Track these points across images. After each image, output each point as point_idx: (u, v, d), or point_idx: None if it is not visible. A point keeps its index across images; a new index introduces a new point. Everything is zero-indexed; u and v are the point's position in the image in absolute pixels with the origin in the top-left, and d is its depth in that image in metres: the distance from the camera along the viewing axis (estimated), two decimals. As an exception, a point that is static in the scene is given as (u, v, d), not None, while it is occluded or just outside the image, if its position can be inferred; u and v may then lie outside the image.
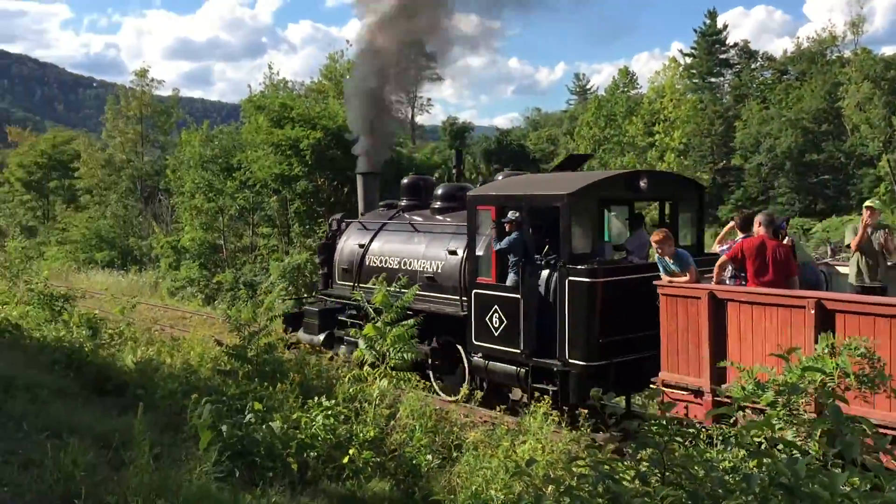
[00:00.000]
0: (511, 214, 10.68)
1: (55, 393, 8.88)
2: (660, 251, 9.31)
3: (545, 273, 10.54)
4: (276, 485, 6.39)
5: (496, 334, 10.70)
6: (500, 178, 13.64)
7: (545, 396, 9.25)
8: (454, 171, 15.37)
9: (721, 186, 60.17)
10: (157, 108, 50.05)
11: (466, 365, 11.37)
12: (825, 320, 7.34)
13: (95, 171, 49.49)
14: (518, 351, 10.41)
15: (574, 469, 4.27)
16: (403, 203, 14.72)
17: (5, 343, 12.16)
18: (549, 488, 4.50)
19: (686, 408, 8.27)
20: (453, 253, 12.09)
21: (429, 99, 72.81)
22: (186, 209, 38.26)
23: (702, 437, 5.37)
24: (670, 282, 9.02)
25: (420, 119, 75.39)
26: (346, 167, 33.41)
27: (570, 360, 9.74)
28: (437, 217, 13.46)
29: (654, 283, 9.09)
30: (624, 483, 3.88)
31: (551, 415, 7.54)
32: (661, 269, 9.33)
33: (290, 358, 11.51)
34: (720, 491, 3.44)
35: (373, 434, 7.68)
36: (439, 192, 13.89)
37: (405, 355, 10.49)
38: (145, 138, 50.15)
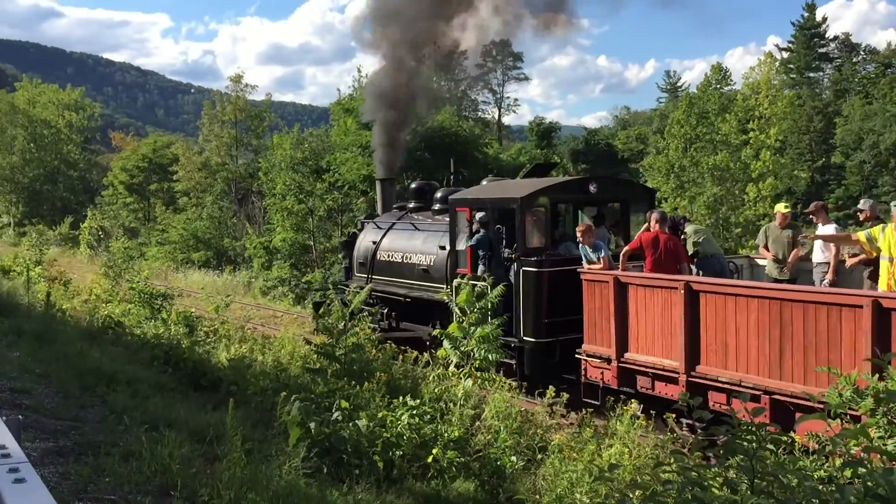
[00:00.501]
0: (478, 215, 12.47)
1: (154, 388, 9.25)
2: (581, 241, 10.94)
3: (515, 265, 11.91)
4: (363, 482, 6.49)
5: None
6: (484, 182, 15.41)
7: (627, 398, 9.14)
8: (451, 176, 17.29)
9: (820, 185, 57.91)
10: (250, 113, 51.46)
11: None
12: (692, 299, 8.96)
13: (193, 174, 51.28)
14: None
15: (661, 474, 4.20)
16: (411, 205, 16.46)
17: (109, 339, 12.73)
18: (635, 493, 4.43)
19: (602, 373, 10.16)
20: (443, 248, 13.63)
21: (515, 99, 72.96)
22: (278, 210, 39.25)
23: (796, 445, 5.20)
24: (588, 268, 10.61)
25: (507, 119, 75.38)
26: (434, 168, 33.69)
27: (524, 338, 11.51)
28: (437, 217, 14.87)
29: (577, 269, 10.69)
30: (712, 490, 3.79)
31: (639, 418, 7.42)
32: (582, 257, 10.89)
33: (377, 357, 11.66)
34: (814, 501, 3.32)
35: (457, 434, 7.71)
36: (438, 195, 15.37)
37: (490, 356, 10.53)
38: (239, 142, 51.64)
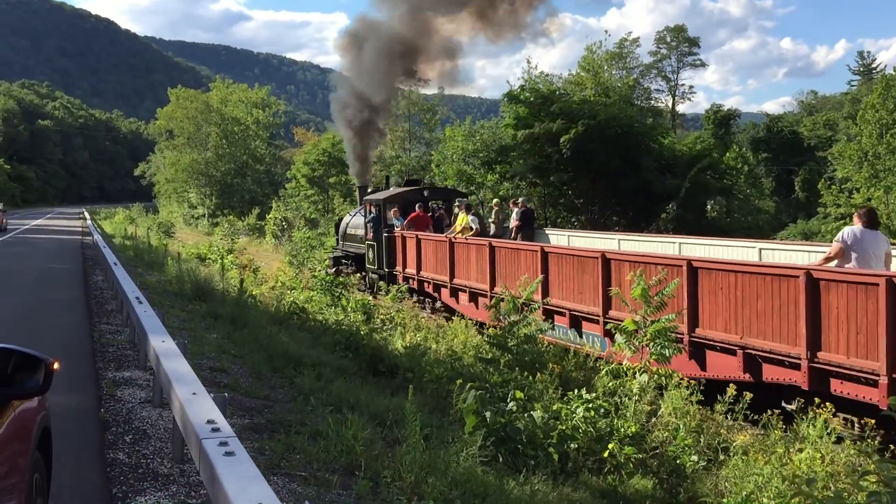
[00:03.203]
0: (372, 207, 22.23)
1: (336, 371, 9.69)
2: (393, 215, 20.77)
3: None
4: (539, 473, 6.49)
5: (372, 260, 21.84)
6: (392, 189, 24.56)
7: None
8: (384, 181, 28.65)
9: None
10: (423, 107, 52.56)
11: (368, 277, 22.33)
12: (419, 245, 18.74)
13: (368, 167, 53.09)
14: (376, 267, 21.48)
15: (863, 484, 3.92)
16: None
17: (294, 324, 13.46)
18: None
19: (407, 280, 19.33)
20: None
21: (690, 86, 69.94)
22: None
23: None
24: (398, 231, 20.23)
25: (681, 108, 72.61)
26: (604, 160, 33.10)
27: (385, 269, 20.79)
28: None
29: (394, 231, 20.44)
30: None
31: (831, 423, 6.94)
32: (394, 224, 20.54)
33: (549, 349, 11.63)
34: None
35: (634, 430, 7.55)
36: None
37: (666, 351, 10.21)
38: (412, 135, 52.94)
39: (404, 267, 19.58)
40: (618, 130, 33.86)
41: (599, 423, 7.59)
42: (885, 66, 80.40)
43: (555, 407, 7.83)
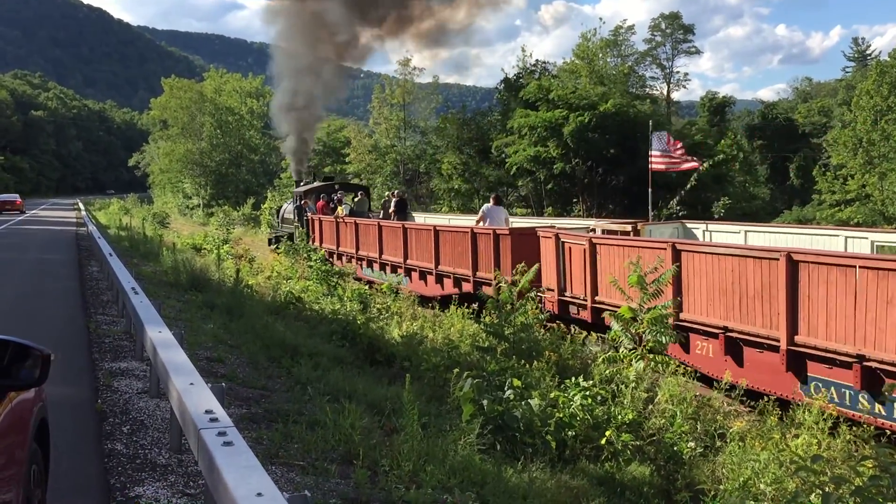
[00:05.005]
0: (297, 197, 29.13)
1: (333, 361, 9.68)
2: (304, 205, 27.65)
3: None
4: (537, 461, 6.50)
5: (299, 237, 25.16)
6: (316, 183, 30.77)
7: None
8: (314, 175, 35.99)
9: None
10: (418, 95, 52.42)
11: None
12: (320, 226, 26.00)
13: (363, 156, 52.84)
14: (304, 242, 23.87)
15: (860, 469, 3.93)
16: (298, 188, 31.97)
17: (291, 314, 13.44)
18: (830, 487, 4.18)
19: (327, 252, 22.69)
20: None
21: (685, 74, 69.83)
22: (445, 191, 39.93)
23: None
24: (309, 216, 26.92)
25: (676, 95, 72.53)
26: (604, 148, 33.06)
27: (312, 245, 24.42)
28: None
29: (308, 216, 26.96)
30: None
31: (828, 409, 6.97)
32: (307, 211, 27.37)
33: (546, 337, 11.63)
34: None
35: (631, 417, 7.56)
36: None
37: (663, 338, 10.23)
38: (407, 124, 52.81)
39: (313, 242, 25.56)
40: (616, 119, 33.86)
41: (597, 410, 7.59)
42: (880, 52, 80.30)
43: (552, 395, 7.83)
